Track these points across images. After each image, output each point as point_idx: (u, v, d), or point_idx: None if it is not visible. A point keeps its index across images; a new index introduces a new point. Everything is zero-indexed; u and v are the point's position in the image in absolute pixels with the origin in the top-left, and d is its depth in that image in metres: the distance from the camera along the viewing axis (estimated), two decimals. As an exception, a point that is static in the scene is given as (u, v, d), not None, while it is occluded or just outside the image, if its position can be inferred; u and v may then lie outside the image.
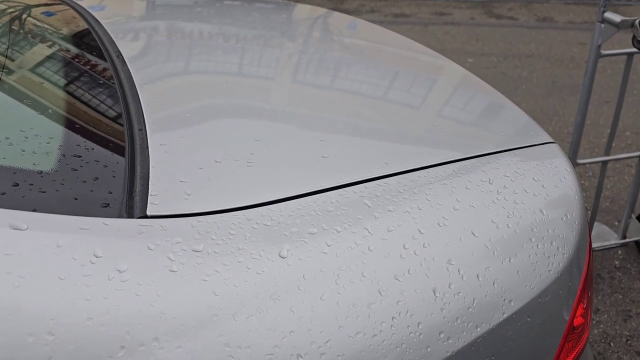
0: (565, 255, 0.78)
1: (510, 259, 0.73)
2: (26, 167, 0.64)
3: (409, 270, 0.66)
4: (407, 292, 0.64)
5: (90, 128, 0.78)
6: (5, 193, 0.59)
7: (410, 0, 7.66)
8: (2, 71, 0.88)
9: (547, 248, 0.77)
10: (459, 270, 0.68)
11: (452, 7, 7.19)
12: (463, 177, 0.80)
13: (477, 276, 0.69)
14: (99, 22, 1.35)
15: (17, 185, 0.61)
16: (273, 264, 0.61)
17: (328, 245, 0.64)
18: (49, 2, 1.60)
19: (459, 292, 0.67)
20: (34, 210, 0.58)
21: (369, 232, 0.67)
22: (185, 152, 0.75)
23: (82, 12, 1.47)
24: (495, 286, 0.70)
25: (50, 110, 0.79)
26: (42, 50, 1.07)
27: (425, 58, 1.46)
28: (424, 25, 6.36)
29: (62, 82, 0.94)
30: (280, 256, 0.61)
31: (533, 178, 0.84)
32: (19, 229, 0.54)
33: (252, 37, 1.44)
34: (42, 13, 1.43)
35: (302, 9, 1.93)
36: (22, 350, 0.48)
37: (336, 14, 1.85)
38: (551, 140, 0.97)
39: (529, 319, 0.73)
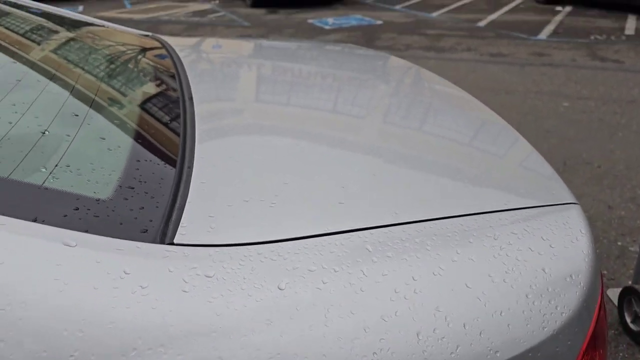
0: (564, 315, 0.81)
1: (501, 312, 0.77)
2: (88, 195, 0.80)
3: (396, 312, 0.73)
4: (391, 332, 0.71)
5: (149, 164, 0.94)
6: (67, 215, 0.74)
7: (509, 39, 7.55)
8: (89, 105, 1.07)
9: (543, 305, 0.80)
10: (445, 318, 0.74)
11: (553, 47, 6.99)
12: (468, 232, 0.86)
13: (464, 325, 0.75)
14: (182, 63, 1.54)
15: (77, 209, 0.76)
16: (271, 294, 0.71)
17: (324, 283, 0.73)
18: (143, 43, 1.83)
19: (443, 338, 0.73)
20: (86, 231, 0.72)
21: (364, 274, 0.75)
22: (220, 191, 0.87)
23: (170, 52, 1.67)
24: (482, 336, 0.75)
25: (117, 146, 0.95)
26: (120, 91, 1.27)
27: (463, 103, 1.51)
28: (520, 65, 6.24)
29: (133, 120, 1.12)
30: (278, 288, 0.71)
31: (542, 237, 0.88)
32: (69, 245, 0.68)
33: (324, 82, 1.57)
34: (132, 51, 1.65)
35: (394, 62, 2.02)
36: (58, 340, 0.61)
37: (425, 71, 1.90)
38: (573, 201, 0.99)
39: None
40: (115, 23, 2.18)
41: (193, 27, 9.91)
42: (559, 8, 9.80)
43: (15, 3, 1.82)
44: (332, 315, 0.71)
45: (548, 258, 0.85)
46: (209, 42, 2.23)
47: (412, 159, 1.10)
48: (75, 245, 0.69)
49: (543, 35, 7.70)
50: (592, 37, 7.37)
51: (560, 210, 0.96)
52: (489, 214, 0.91)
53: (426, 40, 7.62)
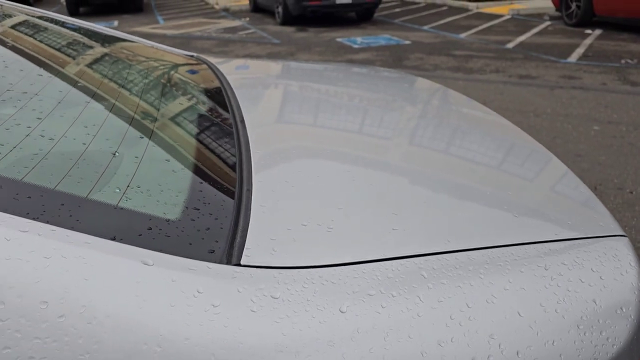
0: (614, 347, 0.83)
1: (553, 342, 0.80)
2: (158, 215, 0.85)
3: (451, 339, 0.76)
4: (447, 357, 0.74)
5: (210, 186, 0.99)
6: (141, 235, 0.79)
7: (539, 62, 7.53)
8: (151, 128, 1.12)
9: (594, 337, 0.82)
10: (499, 345, 0.77)
11: (583, 71, 6.96)
12: (519, 261, 0.88)
13: (517, 353, 0.77)
14: (230, 86, 1.60)
15: (150, 229, 0.81)
16: (333, 316, 0.74)
17: (382, 307, 0.76)
18: (190, 64, 1.90)
19: None
20: (160, 251, 0.77)
21: (420, 300, 0.79)
22: (279, 214, 0.91)
23: (217, 74, 1.73)
24: (535, 364, 0.77)
25: (182, 167, 1.01)
26: (180, 114, 1.32)
27: (510, 134, 1.53)
28: (549, 88, 6.22)
29: (193, 143, 1.17)
30: (340, 311, 0.75)
31: (592, 269, 0.90)
32: (147, 264, 0.73)
33: (364, 106, 1.61)
34: (182, 74, 1.71)
35: (421, 83, 2.07)
36: (138, 354, 0.66)
37: (451, 92, 1.95)
38: (622, 233, 1.01)
39: None
40: (149, 39, 2.25)
41: (224, 43, 10.10)
42: (588, 31, 9.75)
43: (52, 19, 1.91)
44: (391, 339, 0.74)
45: (598, 290, 0.87)
46: (248, 64, 2.30)
47: (459, 187, 1.13)
48: (153, 264, 0.73)
49: (573, 58, 7.67)
50: (622, 61, 7.32)
51: (609, 242, 0.98)
52: (540, 244, 0.93)
53: (454, 61, 7.65)
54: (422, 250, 0.87)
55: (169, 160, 1.02)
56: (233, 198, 0.96)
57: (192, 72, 1.75)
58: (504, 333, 0.78)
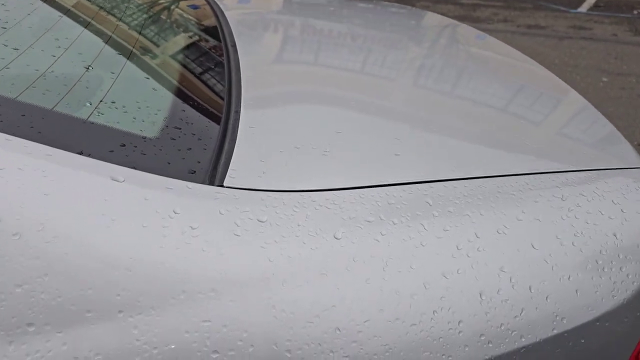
0: (635, 283, 0.76)
1: (569, 276, 0.72)
2: (134, 132, 0.76)
3: (458, 270, 0.68)
4: (453, 290, 0.67)
5: (194, 105, 0.89)
6: (113, 151, 0.70)
7: (548, 11, 7.29)
8: (134, 48, 1.02)
9: (614, 273, 0.75)
10: (510, 279, 0.69)
11: (594, 21, 6.73)
12: (534, 191, 0.80)
13: (530, 288, 0.70)
14: (224, 15, 1.48)
15: (123, 145, 0.72)
16: (327, 243, 0.66)
17: (382, 235, 0.68)
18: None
19: (507, 300, 0.68)
20: (133, 168, 0.68)
21: (424, 228, 0.70)
22: (270, 136, 0.82)
23: (212, 5, 1.61)
24: (548, 301, 0.70)
25: (164, 86, 0.91)
26: (167, 35, 1.22)
27: (526, 67, 1.43)
28: (558, 38, 6.03)
29: (179, 64, 1.07)
30: (334, 237, 0.67)
31: (612, 201, 0.82)
32: (117, 180, 0.64)
33: (370, 38, 1.50)
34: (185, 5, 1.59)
35: (430, 18, 1.94)
36: (105, 277, 0.58)
37: (464, 26, 1.83)
38: (644, 165, 0.93)
39: (582, 341, 0.72)
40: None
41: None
42: (601, -19, 9.40)
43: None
44: (390, 269, 0.66)
45: (619, 223, 0.79)
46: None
47: (469, 115, 1.04)
48: (123, 181, 0.65)
49: (583, 8, 7.40)
50: (634, 12, 7.07)
51: (631, 173, 0.89)
52: (557, 174, 0.85)
53: (461, 10, 7.38)
54: (427, 177, 0.79)
55: (149, 79, 0.92)
56: (219, 119, 0.86)
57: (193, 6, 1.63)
58: (516, 266, 0.71)
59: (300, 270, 0.64)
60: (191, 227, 0.63)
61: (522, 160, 0.88)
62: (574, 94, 1.26)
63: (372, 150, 0.83)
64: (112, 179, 0.64)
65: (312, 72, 1.14)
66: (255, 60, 1.15)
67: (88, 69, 0.87)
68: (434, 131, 0.93)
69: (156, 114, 0.82)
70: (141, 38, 1.10)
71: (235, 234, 0.64)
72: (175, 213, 0.64)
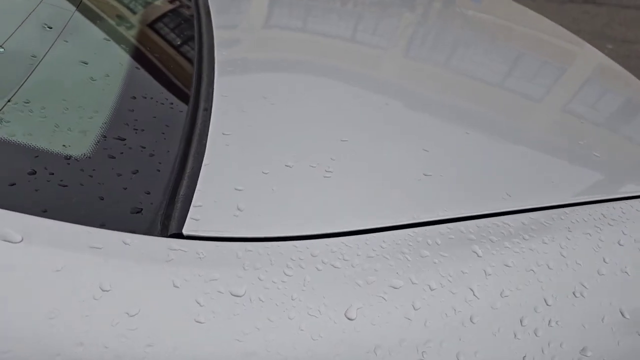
0: None
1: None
2: (53, 150, 0.52)
3: (523, 358, 0.47)
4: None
5: (147, 103, 0.65)
6: (15, 184, 0.47)
7: (548, -28, 6.98)
8: (68, 16, 0.77)
9: None
10: (595, 366, 0.48)
11: (596, -17, 6.44)
12: (615, 227, 0.58)
13: None
14: None
15: (33, 173, 0.49)
16: (336, 326, 0.44)
17: (415, 309, 0.47)
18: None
19: None
20: (44, 212, 0.45)
21: (474, 296, 0.49)
22: (250, 148, 0.59)
23: None
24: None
25: (105, 75, 0.66)
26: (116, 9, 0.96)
27: (565, 44, 1.19)
28: (559, 2, 5.75)
29: (130, 40, 0.82)
30: (347, 317, 0.45)
31: None
32: (11, 242, 0.41)
33: (364, 6, 1.24)
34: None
35: None
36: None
37: None
38: None
39: None
40: None
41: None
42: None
43: None
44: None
45: None
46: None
47: (511, 111, 0.81)
48: (21, 241, 0.42)
49: (584, -31, 7.08)
50: (637, -26, 6.77)
51: None
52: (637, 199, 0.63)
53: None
54: (470, 211, 0.57)
55: (87, 64, 0.67)
56: (181, 122, 0.63)
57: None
58: (600, 347, 0.50)
59: (297, 373, 0.42)
60: (127, 313, 0.41)
61: (592, 180, 0.66)
62: (625, 73, 1.03)
63: (392, 169, 0.61)
64: (3, 239, 0.41)
65: (305, 52, 0.89)
66: (234, 36, 0.90)
67: (-2, 51, 0.63)
68: (468, 137, 0.70)
69: (91, 119, 0.58)
70: (79, 5, 0.84)
71: (197, 321, 0.42)
72: (103, 291, 0.41)
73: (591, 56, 1.11)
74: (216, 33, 0.85)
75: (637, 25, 5.05)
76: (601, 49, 4.43)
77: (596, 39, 4.65)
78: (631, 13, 5.38)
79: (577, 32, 4.93)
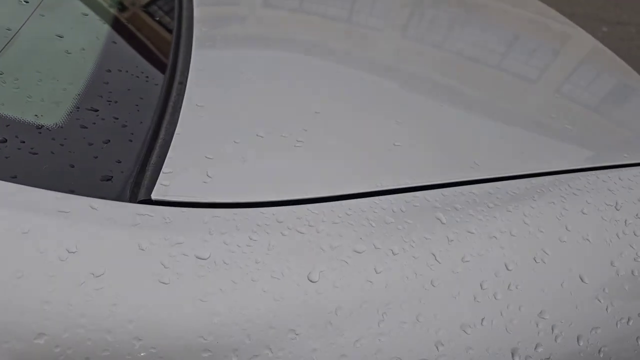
0: None
1: (629, 320, 0.53)
2: (25, 119, 0.53)
3: (482, 321, 0.48)
4: (476, 343, 0.47)
5: (122, 75, 0.66)
6: (-16, 151, 0.48)
7: (544, -46, 6.92)
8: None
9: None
10: (552, 328, 0.50)
11: (592, -35, 6.40)
12: (579, 196, 0.60)
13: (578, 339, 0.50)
14: None
15: (4, 141, 0.49)
16: (299, 289, 0.46)
17: (377, 272, 0.48)
18: None
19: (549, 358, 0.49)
20: (14, 178, 0.46)
21: (436, 260, 0.50)
22: (223, 119, 0.60)
23: None
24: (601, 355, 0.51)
25: (80, 48, 0.67)
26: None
27: (551, 24, 1.20)
28: (555, -16, 5.71)
29: (105, 13, 0.82)
30: (309, 279, 0.46)
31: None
32: None
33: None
34: None
35: None
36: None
37: None
38: None
39: None
40: None
41: None
42: None
43: None
44: (390, 321, 0.46)
45: None
46: None
47: (490, 85, 0.82)
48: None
49: (580, -49, 7.03)
50: (634, -44, 6.73)
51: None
52: (604, 170, 0.64)
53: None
54: (437, 180, 0.58)
55: (62, 37, 0.68)
56: (155, 95, 0.64)
57: None
58: (559, 310, 0.51)
59: (259, 332, 0.43)
60: (93, 274, 0.42)
61: (560, 150, 0.67)
62: (608, 52, 1.04)
63: (363, 139, 0.62)
64: (-29, 202, 0.42)
65: (284, 29, 0.90)
66: (214, 12, 0.91)
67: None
68: (442, 109, 0.71)
69: (65, 90, 0.59)
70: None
71: (161, 282, 0.43)
72: (70, 252, 0.42)
73: (579, 38, 1.12)
74: (196, 9, 0.85)
75: (632, 7, 5.04)
76: (595, 31, 4.42)
77: (591, 21, 4.63)
78: (626, -4, 5.35)
79: (571, 15, 4.90)
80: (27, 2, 0.72)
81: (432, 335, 0.46)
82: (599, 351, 0.51)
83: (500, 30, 1.06)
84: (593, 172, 0.63)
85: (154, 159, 0.53)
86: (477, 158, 0.61)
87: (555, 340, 0.50)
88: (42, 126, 0.53)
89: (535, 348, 0.49)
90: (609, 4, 5.07)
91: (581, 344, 0.50)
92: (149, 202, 0.48)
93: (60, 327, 0.40)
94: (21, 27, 0.66)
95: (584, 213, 0.58)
